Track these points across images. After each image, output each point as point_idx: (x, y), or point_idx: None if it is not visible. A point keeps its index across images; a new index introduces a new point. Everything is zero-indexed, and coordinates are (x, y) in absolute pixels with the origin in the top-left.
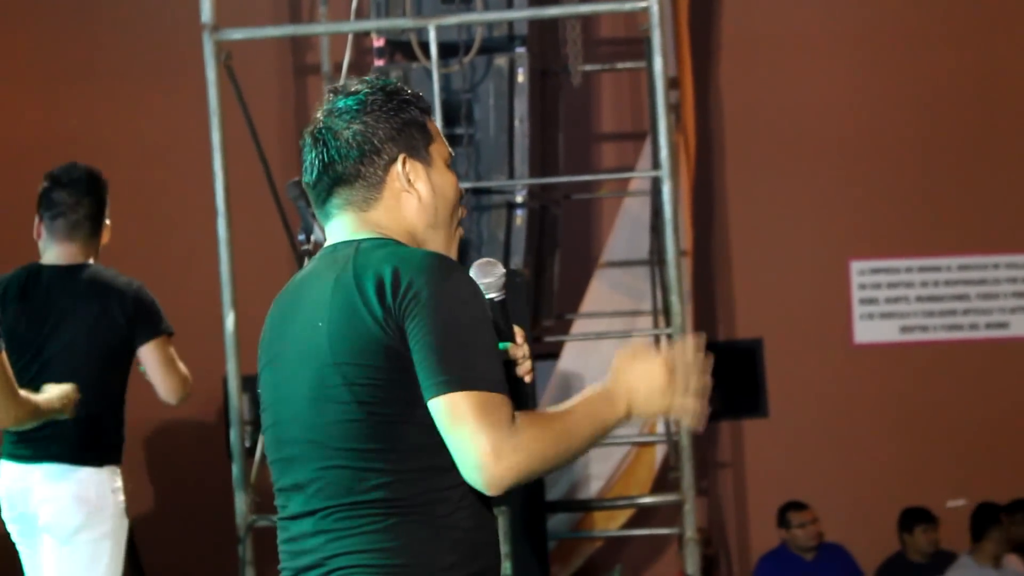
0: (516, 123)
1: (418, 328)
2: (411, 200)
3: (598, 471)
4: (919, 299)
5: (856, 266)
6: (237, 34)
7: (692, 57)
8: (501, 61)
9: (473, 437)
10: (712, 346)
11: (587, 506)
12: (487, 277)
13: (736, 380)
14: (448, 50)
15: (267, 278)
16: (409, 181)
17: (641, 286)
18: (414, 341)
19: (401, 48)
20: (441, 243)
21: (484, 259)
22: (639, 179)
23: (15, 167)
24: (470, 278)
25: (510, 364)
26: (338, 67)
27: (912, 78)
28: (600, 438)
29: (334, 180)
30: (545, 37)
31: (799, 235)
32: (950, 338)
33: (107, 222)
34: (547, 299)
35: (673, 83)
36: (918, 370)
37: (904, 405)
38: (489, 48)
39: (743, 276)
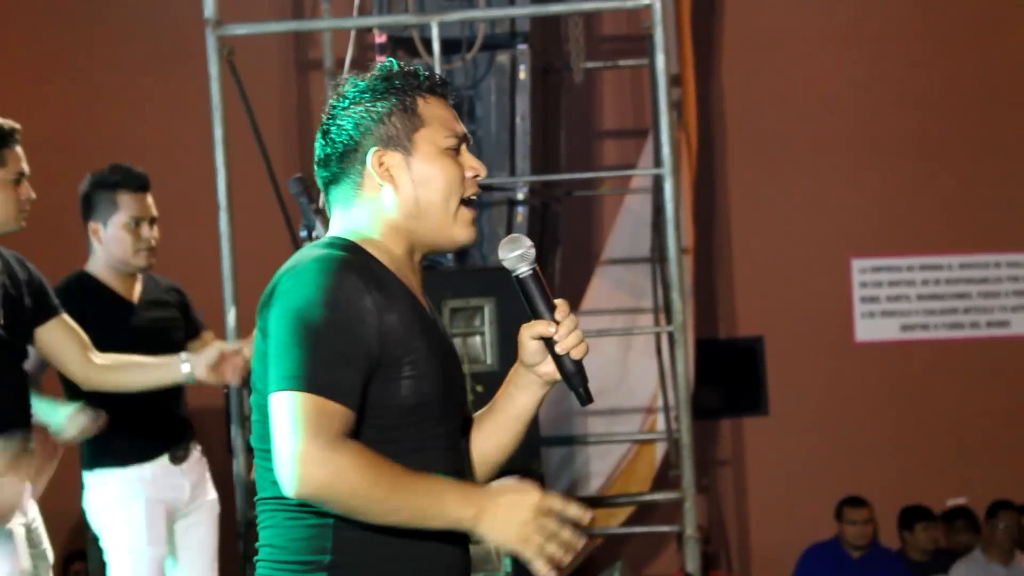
0: (518, 120)
1: (270, 330)
2: (389, 193)
3: (598, 468)
4: (920, 297)
5: (857, 264)
6: (240, 29)
7: (694, 54)
8: (503, 58)
9: (286, 436)
10: (713, 344)
11: (587, 503)
12: (512, 252)
13: (737, 378)
14: (450, 46)
15: (268, 274)
16: (389, 173)
17: (642, 283)
18: (269, 342)
19: (403, 44)
20: (433, 232)
21: (510, 235)
22: (640, 176)
23: None
24: (345, 284)
25: (550, 342)
26: (340, 63)
27: (913, 76)
28: (427, 522)
29: (324, 179)
30: (547, 34)
31: (800, 233)
32: (951, 337)
33: (92, 225)
34: None
35: (675, 80)
36: (919, 369)
37: (905, 403)
38: (491, 45)
39: (744, 274)
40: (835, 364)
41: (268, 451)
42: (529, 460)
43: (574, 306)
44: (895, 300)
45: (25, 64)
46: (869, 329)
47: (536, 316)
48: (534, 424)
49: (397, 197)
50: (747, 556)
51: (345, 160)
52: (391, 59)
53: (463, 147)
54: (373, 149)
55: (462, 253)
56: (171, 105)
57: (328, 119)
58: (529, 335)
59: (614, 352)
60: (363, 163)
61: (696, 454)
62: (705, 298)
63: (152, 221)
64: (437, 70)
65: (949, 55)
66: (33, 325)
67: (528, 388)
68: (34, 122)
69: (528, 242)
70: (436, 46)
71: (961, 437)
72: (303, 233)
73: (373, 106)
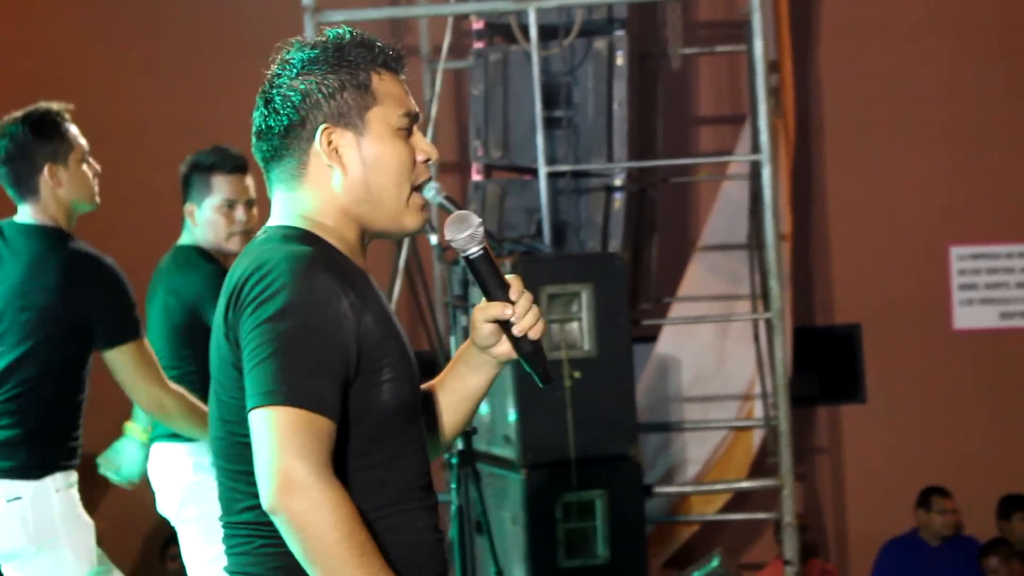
0: (615, 106)
1: (242, 340)
2: (337, 174)
3: (695, 455)
4: (1019, 285)
5: (956, 251)
6: (338, 16)
7: (792, 40)
8: (600, 44)
9: (269, 453)
10: (810, 331)
11: (684, 490)
12: (461, 232)
13: (834, 365)
14: (548, 32)
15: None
16: (337, 153)
17: (739, 270)
18: (242, 354)
19: (501, 31)
20: (384, 219)
21: (457, 213)
22: (737, 163)
23: (121, 148)
24: (320, 286)
25: (508, 324)
26: (437, 49)
27: (1012, 62)
28: None
29: (264, 154)
30: (644, 20)
31: (898, 220)
32: None
33: (188, 206)
34: (645, 282)
35: (772, 67)
36: (1018, 356)
37: (1003, 391)
38: (588, 31)
39: (842, 261)
40: (933, 352)
41: (240, 471)
42: (626, 446)
43: (671, 292)
44: (994, 288)
45: (122, 52)
46: (968, 317)
47: (489, 297)
48: (631, 409)
49: (345, 180)
50: (844, 544)
51: (289, 135)
52: (344, 27)
53: (415, 128)
54: (323, 126)
55: (559, 238)
56: None
57: (270, 87)
58: (483, 318)
59: (711, 339)
60: (309, 140)
61: (793, 442)
62: (802, 285)
63: (249, 204)
64: (534, 57)
65: None
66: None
67: (481, 369)
68: (134, 109)
69: (477, 220)
70: (533, 32)
71: None
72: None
73: (324, 79)
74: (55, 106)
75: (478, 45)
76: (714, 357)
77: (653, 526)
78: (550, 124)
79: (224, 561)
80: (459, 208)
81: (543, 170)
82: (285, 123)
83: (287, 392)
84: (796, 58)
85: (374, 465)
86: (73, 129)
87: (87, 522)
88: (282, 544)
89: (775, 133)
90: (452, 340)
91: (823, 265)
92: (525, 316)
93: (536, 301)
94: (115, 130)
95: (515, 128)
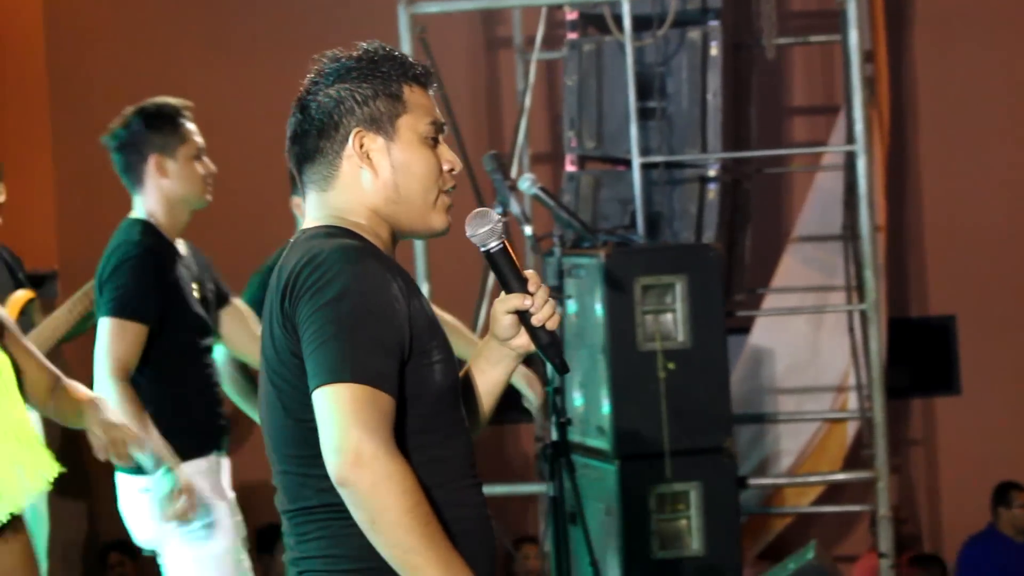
0: (709, 97)
1: (301, 325)
2: (367, 176)
3: (789, 446)
4: None
5: None
6: (432, 7)
7: (887, 30)
8: (694, 34)
9: (337, 427)
10: (905, 322)
11: (779, 482)
12: (481, 227)
13: (928, 357)
14: (641, 23)
15: (460, 248)
16: (368, 157)
17: (833, 261)
18: (301, 340)
19: (594, 21)
20: (411, 219)
21: (477, 209)
22: (831, 153)
23: (215, 145)
24: (372, 272)
25: (526, 314)
26: (531, 40)
27: None
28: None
29: (298, 156)
30: (738, 10)
31: (994, 210)
32: None
33: (295, 199)
34: (739, 273)
35: (868, 56)
36: None
37: None
38: (683, 21)
39: (936, 252)
40: None
41: (312, 456)
42: (721, 437)
43: (765, 283)
44: None
45: (219, 38)
46: None
47: (508, 290)
48: (725, 401)
49: (375, 182)
50: (939, 537)
51: (323, 138)
52: (376, 41)
53: (440, 139)
54: (355, 129)
55: (653, 229)
56: None
57: (307, 95)
58: (504, 309)
59: (805, 330)
60: (343, 143)
61: (887, 434)
62: (897, 276)
63: None
64: (628, 47)
65: None
66: (217, 309)
67: (501, 362)
68: (228, 104)
69: (496, 216)
70: (627, 22)
71: None
72: (498, 209)
73: (358, 86)
74: (173, 101)
75: (571, 36)
76: (808, 348)
77: (746, 518)
78: (644, 115)
79: None
80: (554, 200)
81: (637, 161)
82: (320, 127)
83: (351, 369)
84: (891, 48)
85: (432, 443)
86: (189, 125)
87: (219, 504)
88: (357, 525)
89: (870, 123)
90: None
91: (918, 256)
92: (543, 307)
93: (630, 292)
94: (207, 126)
95: (609, 119)
